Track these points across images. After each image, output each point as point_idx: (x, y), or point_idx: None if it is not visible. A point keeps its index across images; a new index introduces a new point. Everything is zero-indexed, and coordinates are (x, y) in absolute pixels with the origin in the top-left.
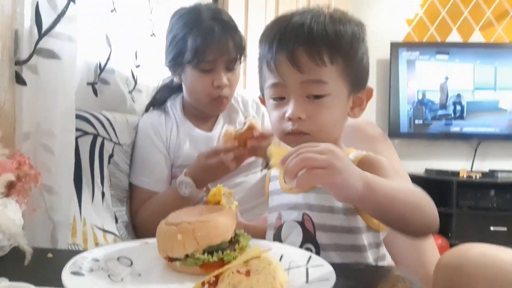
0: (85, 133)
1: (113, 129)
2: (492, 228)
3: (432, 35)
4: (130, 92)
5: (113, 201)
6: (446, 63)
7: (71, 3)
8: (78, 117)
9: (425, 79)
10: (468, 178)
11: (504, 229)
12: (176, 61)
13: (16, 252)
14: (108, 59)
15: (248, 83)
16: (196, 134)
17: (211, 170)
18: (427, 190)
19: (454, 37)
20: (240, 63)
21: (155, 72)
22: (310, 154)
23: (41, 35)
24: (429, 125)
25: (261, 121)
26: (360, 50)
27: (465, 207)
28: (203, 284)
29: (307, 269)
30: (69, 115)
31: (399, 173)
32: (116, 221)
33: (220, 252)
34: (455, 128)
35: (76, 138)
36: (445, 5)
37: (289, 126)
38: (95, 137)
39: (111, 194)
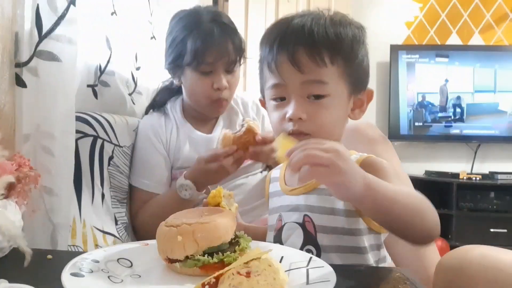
0: (85, 135)
1: (113, 131)
2: (492, 230)
3: (432, 37)
4: (130, 94)
5: (113, 203)
6: (446, 65)
7: (72, 5)
8: (78, 119)
9: (425, 82)
10: (468, 180)
11: (504, 231)
12: (175, 63)
13: (15, 254)
14: (108, 61)
15: (248, 85)
16: (196, 136)
17: (211, 174)
18: (427, 192)
19: (454, 40)
20: (240, 65)
21: (155, 74)
22: (315, 151)
23: (41, 38)
24: (429, 127)
25: (261, 123)
26: (360, 52)
27: (465, 209)
28: (203, 285)
29: (307, 271)
30: (69, 117)
31: (400, 176)
32: (116, 222)
33: (220, 253)
34: (455, 130)
35: (76, 140)
36: (444, 8)
37: (289, 126)
38: (95, 139)
39: (111, 196)
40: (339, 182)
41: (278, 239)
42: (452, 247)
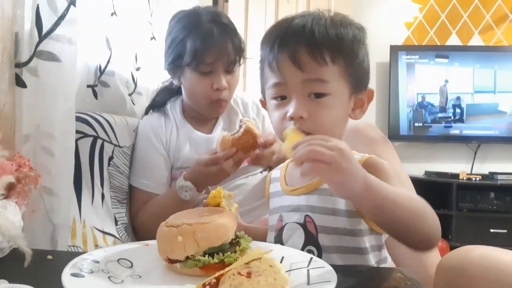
0: (85, 135)
1: (113, 131)
2: (492, 230)
3: (432, 38)
4: (130, 95)
5: (113, 203)
6: (446, 66)
7: (72, 5)
8: (78, 119)
9: (424, 82)
10: (468, 181)
11: (504, 231)
12: (175, 64)
13: (15, 254)
14: (108, 61)
15: (248, 85)
16: (196, 136)
17: (211, 176)
18: (427, 192)
19: (454, 40)
20: (240, 65)
21: (155, 75)
22: (319, 147)
23: (41, 38)
24: (429, 128)
25: (262, 124)
26: (361, 52)
27: (465, 209)
28: (204, 286)
29: (308, 271)
30: (69, 118)
31: (402, 179)
32: (116, 223)
33: (220, 254)
34: (454, 130)
35: (76, 140)
36: (444, 9)
37: (290, 125)
38: (95, 139)
39: (111, 196)
40: (339, 181)
41: (278, 240)
42: (452, 248)
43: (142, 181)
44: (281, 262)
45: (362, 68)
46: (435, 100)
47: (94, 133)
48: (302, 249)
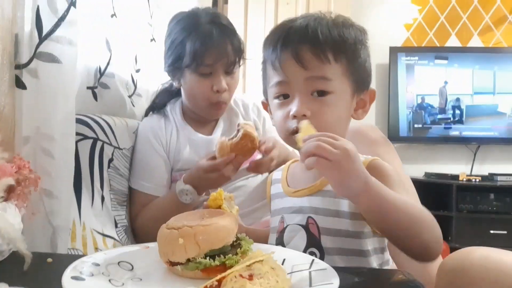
0: (85, 137)
1: (113, 133)
2: (492, 232)
3: (431, 39)
4: (130, 97)
5: (113, 205)
6: (445, 67)
7: (72, 7)
8: (78, 121)
9: (424, 84)
10: (467, 182)
11: (504, 232)
12: (175, 66)
13: (15, 257)
14: (108, 63)
15: (248, 87)
16: (196, 138)
17: (211, 182)
18: (426, 194)
19: (453, 41)
20: (239, 66)
21: (155, 77)
22: (326, 144)
23: (41, 39)
24: (429, 129)
25: (262, 125)
26: (363, 53)
27: (465, 210)
28: None
29: (310, 273)
30: (69, 119)
31: (405, 184)
32: (116, 225)
33: (222, 256)
34: (454, 132)
35: (76, 142)
36: (443, 10)
37: (293, 124)
38: (95, 141)
39: (111, 198)
40: (338, 179)
41: (280, 241)
42: (452, 249)
43: (142, 183)
44: (282, 264)
45: (364, 68)
46: (435, 102)
47: (94, 135)
48: (304, 251)
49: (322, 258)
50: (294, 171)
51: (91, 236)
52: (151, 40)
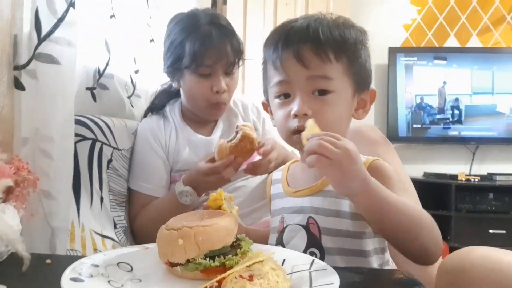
0: (84, 138)
1: (112, 134)
2: (491, 231)
3: (430, 40)
4: (129, 97)
5: (112, 207)
6: (444, 68)
7: (71, 8)
8: (76, 122)
9: (423, 84)
10: (466, 182)
11: (503, 231)
12: (174, 67)
13: (14, 258)
14: (107, 64)
15: (247, 87)
16: (195, 139)
17: (211, 184)
18: (426, 193)
19: (452, 42)
20: (239, 67)
21: (154, 78)
22: (327, 143)
23: (40, 40)
24: (428, 129)
25: (262, 126)
26: (363, 54)
27: (464, 210)
28: None
29: (310, 273)
30: (68, 120)
31: (406, 186)
32: (115, 226)
33: (221, 256)
34: (453, 132)
35: (75, 143)
36: (442, 11)
37: (294, 123)
38: (94, 142)
39: (110, 199)
40: (338, 178)
41: (279, 241)
42: (451, 249)
43: (141, 184)
44: (282, 264)
45: (365, 68)
46: (434, 102)
47: (93, 136)
48: (305, 251)
49: (322, 258)
50: (294, 171)
51: (90, 237)
52: (150, 41)
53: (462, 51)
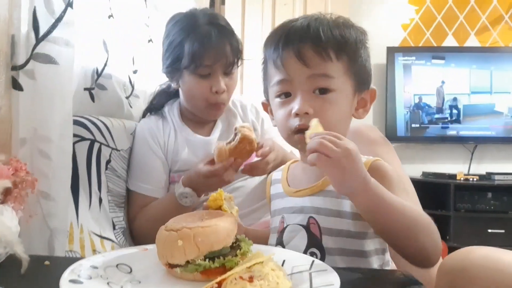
0: (82, 138)
1: (110, 134)
2: (489, 231)
3: (428, 39)
4: (127, 98)
5: (111, 207)
6: (442, 67)
7: (69, 8)
8: (75, 122)
9: (421, 83)
10: (465, 181)
11: (502, 231)
12: (173, 67)
13: (12, 260)
14: (105, 64)
15: (245, 88)
16: (194, 139)
17: (211, 186)
18: (424, 193)
19: (450, 41)
20: (238, 67)
21: (153, 78)
22: (328, 142)
23: (38, 40)
24: (426, 129)
25: (261, 127)
26: (363, 53)
27: (463, 210)
28: None
29: (310, 274)
30: (67, 121)
31: (406, 187)
32: (114, 227)
33: (221, 258)
34: (451, 131)
35: (73, 144)
36: (440, 10)
37: (295, 122)
38: (92, 142)
39: (109, 200)
40: (337, 176)
41: (280, 241)
42: (450, 248)
43: (140, 184)
44: (282, 265)
45: (365, 68)
46: (432, 101)
47: (92, 137)
48: (305, 252)
49: (322, 258)
50: (294, 172)
51: (88, 238)
52: (149, 41)
53: (460, 50)
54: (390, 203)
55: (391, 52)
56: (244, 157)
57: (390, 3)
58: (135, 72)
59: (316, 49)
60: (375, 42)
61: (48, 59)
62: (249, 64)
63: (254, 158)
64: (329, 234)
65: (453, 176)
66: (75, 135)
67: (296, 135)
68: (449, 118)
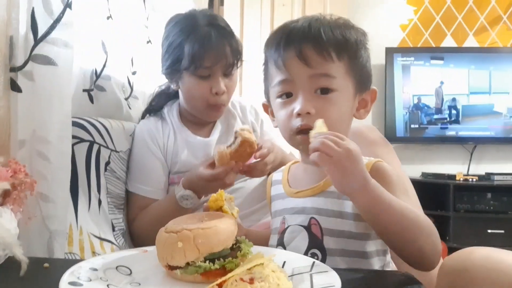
0: (81, 140)
1: (110, 136)
2: (489, 231)
3: (427, 40)
4: (126, 99)
5: (110, 209)
6: (441, 68)
7: (68, 9)
8: (74, 124)
9: (420, 84)
10: (464, 182)
11: (502, 231)
12: (173, 68)
13: (11, 263)
14: (104, 65)
15: (244, 89)
16: (193, 140)
17: (213, 190)
18: (424, 194)
19: (449, 42)
20: (237, 68)
21: (152, 79)
22: (330, 142)
23: (36, 41)
24: (425, 129)
25: (260, 128)
26: (364, 54)
27: (462, 210)
28: None
29: (311, 276)
30: (65, 122)
31: (407, 190)
32: (113, 229)
33: (221, 259)
34: (450, 132)
35: (72, 145)
36: (439, 11)
37: (297, 122)
38: (91, 144)
39: (108, 202)
40: (338, 176)
41: (280, 242)
42: (450, 249)
43: (140, 186)
44: (282, 267)
45: (365, 68)
46: (431, 102)
47: (91, 138)
48: (306, 252)
49: (323, 259)
50: (295, 172)
51: (88, 240)
52: (147, 42)
53: (459, 51)
54: (390, 204)
55: (390, 52)
56: (244, 159)
57: (388, 4)
58: (134, 73)
59: (318, 49)
60: (373, 42)
61: (47, 61)
62: (248, 66)
63: (252, 160)
64: (330, 235)
65: (453, 177)
66: (74, 137)
67: (298, 136)
68: (448, 119)
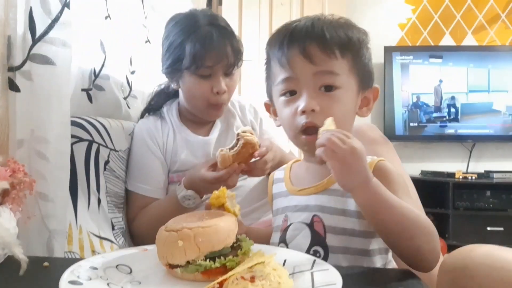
0: (80, 139)
1: (109, 135)
2: (488, 228)
3: (425, 39)
4: (125, 98)
5: (110, 208)
6: (440, 66)
7: (66, 8)
8: (73, 123)
9: (419, 83)
10: (464, 179)
11: (501, 229)
12: (174, 67)
13: (11, 262)
14: (103, 65)
15: (243, 89)
16: (193, 139)
17: (214, 190)
18: (423, 192)
19: (447, 40)
20: (238, 67)
21: (150, 78)
22: (336, 139)
23: (35, 41)
24: (424, 128)
25: (259, 127)
26: (366, 53)
27: (462, 208)
28: None
29: (312, 274)
30: (64, 122)
31: (409, 190)
32: (113, 228)
33: (222, 258)
34: (450, 130)
35: (71, 145)
36: (437, 10)
37: (302, 120)
38: (91, 143)
39: (107, 201)
40: (341, 171)
41: (283, 240)
42: (449, 246)
43: (139, 185)
44: (283, 265)
45: (368, 67)
46: (430, 100)
47: (90, 138)
48: (308, 250)
49: (326, 256)
50: (298, 171)
51: (88, 239)
52: (146, 41)
53: (457, 49)
54: (390, 203)
55: (389, 51)
56: (246, 160)
57: (387, 3)
58: (132, 72)
59: (321, 46)
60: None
61: (45, 60)
62: (248, 65)
63: (252, 159)
64: (333, 233)
65: (452, 175)
66: (73, 136)
67: (303, 136)
68: (447, 117)
